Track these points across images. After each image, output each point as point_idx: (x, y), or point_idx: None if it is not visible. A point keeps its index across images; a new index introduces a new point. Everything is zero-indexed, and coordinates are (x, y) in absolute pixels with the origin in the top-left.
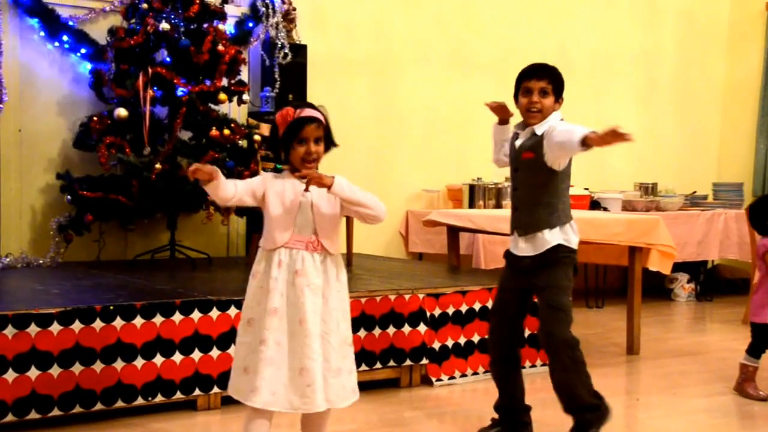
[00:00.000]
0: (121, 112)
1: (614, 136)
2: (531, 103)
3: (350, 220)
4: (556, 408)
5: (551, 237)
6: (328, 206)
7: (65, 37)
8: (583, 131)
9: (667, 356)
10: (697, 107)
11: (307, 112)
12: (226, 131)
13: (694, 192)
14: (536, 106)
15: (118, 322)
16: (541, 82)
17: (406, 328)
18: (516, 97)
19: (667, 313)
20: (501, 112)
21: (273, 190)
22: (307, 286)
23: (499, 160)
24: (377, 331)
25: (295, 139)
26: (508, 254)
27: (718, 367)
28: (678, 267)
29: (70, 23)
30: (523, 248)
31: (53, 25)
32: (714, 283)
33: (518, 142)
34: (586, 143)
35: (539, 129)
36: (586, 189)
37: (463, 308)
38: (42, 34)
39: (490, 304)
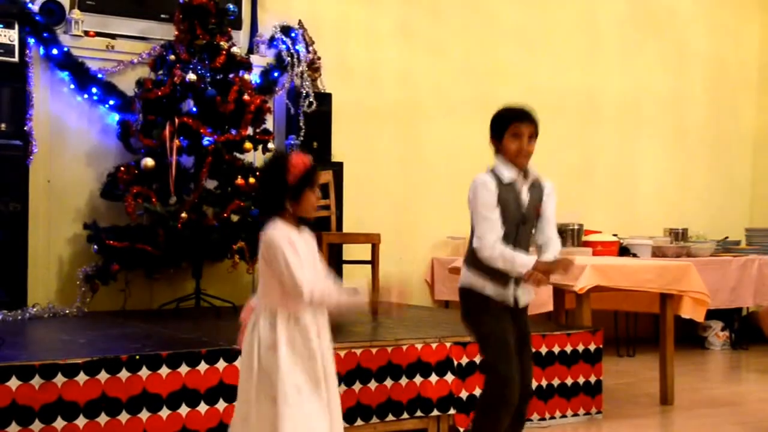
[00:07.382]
0: (148, 162)
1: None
2: (524, 149)
3: (375, 268)
4: None
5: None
6: None
7: (94, 89)
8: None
9: (702, 407)
10: (728, 151)
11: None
12: (252, 180)
13: (726, 237)
14: (529, 151)
15: (144, 372)
16: (531, 127)
17: (434, 378)
18: (499, 136)
19: (701, 361)
20: None
21: (303, 255)
22: (328, 343)
23: None
24: (404, 381)
25: (310, 186)
26: (502, 306)
27: (756, 418)
28: (711, 314)
29: (99, 76)
30: (523, 297)
31: (83, 78)
32: (750, 330)
33: (525, 194)
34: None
35: (535, 178)
36: (615, 235)
37: None
38: (72, 86)
39: None
